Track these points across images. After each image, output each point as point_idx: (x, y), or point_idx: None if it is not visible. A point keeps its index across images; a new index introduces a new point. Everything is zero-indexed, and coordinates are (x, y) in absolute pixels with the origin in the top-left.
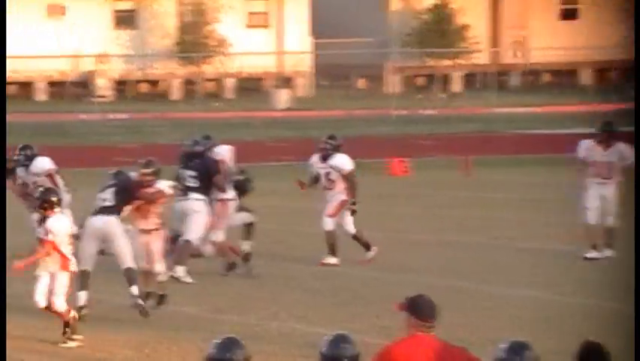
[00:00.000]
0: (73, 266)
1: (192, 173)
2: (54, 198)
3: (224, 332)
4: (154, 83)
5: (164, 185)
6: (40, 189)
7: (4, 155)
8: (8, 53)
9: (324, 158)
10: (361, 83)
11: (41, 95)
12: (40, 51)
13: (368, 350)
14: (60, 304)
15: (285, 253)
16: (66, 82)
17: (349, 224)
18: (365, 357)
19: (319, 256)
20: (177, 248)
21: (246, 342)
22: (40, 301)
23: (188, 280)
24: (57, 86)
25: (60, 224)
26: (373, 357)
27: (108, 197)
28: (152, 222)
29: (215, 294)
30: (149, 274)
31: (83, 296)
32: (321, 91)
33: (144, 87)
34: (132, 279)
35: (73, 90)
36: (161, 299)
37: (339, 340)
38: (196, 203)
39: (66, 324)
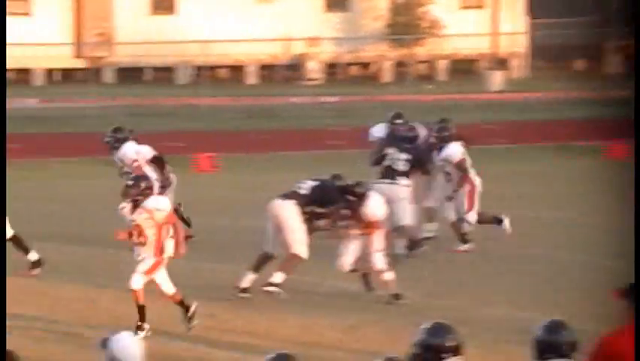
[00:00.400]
0: (168, 252)
1: (405, 156)
2: (143, 186)
3: (435, 317)
4: (365, 65)
5: (375, 209)
6: (129, 181)
7: (4, 154)
8: (219, 37)
9: (438, 150)
10: (579, 64)
11: (252, 78)
12: (251, 35)
13: (585, 337)
14: (135, 282)
15: (495, 237)
16: (277, 65)
17: (448, 210)
18: (581, 345)
19: (530, 240)
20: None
21: (458, 327)
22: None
23: (402, 251)
24: (268, 70)
25: (160, 204)
26: (592, 347)
27: (305, 186)
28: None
29: (427, 278)
30: (368, 274)
31: (248, 277)
32: (536, 72)
33: (355, 70)
34: (290, 266)
35: (283, 73)
36: (396, 297)
37: (556, 326)
38: (403, 189)
39: (140, 310)
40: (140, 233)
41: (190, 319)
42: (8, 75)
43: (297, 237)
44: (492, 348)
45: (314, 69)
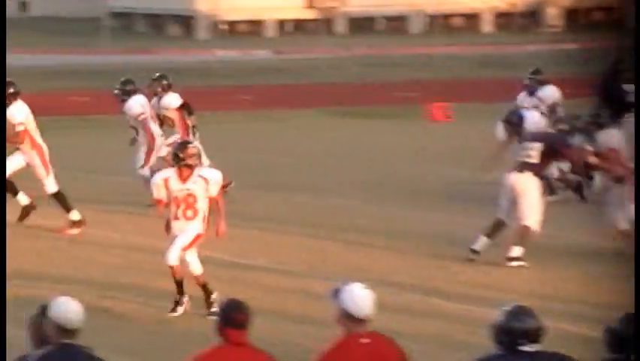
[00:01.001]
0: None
1: None
2: (191, 150)
3: None
4: (608, 10)
5: (610, 138)
6: (175, 145)
7: (3, 154)
8: None
9: (531, 93)
10: None
11: (488, 26)
12: None
13: None
14: (172, 258)
15: None
16: (514, 13)
17: None
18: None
19: None
20: None
21: None
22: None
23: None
24: (504, 17)
25: (215, 174)
26: None
27: (534, 154)
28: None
29: None
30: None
31: (481, 240)
32: None
33: (598, 15)
34: (522, 238)
35: (521, 21)
36: None
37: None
38: None
39: (179, 285)
40: (192, 204)
41: (210, 305)
42: (241, 27)
43: (533, 210)
44: None
45: (553, 15)
